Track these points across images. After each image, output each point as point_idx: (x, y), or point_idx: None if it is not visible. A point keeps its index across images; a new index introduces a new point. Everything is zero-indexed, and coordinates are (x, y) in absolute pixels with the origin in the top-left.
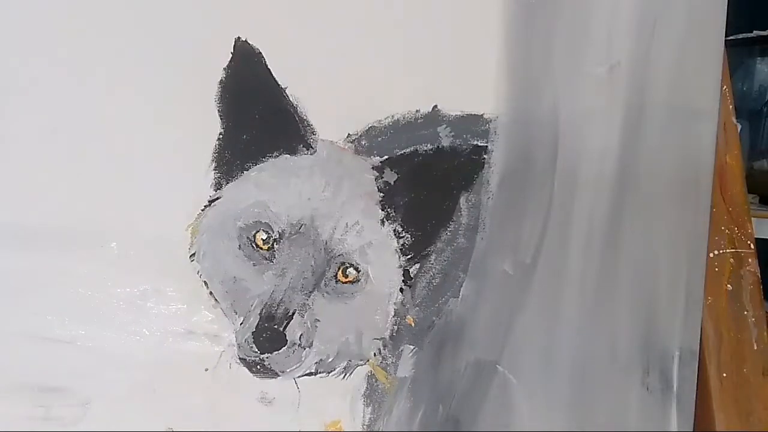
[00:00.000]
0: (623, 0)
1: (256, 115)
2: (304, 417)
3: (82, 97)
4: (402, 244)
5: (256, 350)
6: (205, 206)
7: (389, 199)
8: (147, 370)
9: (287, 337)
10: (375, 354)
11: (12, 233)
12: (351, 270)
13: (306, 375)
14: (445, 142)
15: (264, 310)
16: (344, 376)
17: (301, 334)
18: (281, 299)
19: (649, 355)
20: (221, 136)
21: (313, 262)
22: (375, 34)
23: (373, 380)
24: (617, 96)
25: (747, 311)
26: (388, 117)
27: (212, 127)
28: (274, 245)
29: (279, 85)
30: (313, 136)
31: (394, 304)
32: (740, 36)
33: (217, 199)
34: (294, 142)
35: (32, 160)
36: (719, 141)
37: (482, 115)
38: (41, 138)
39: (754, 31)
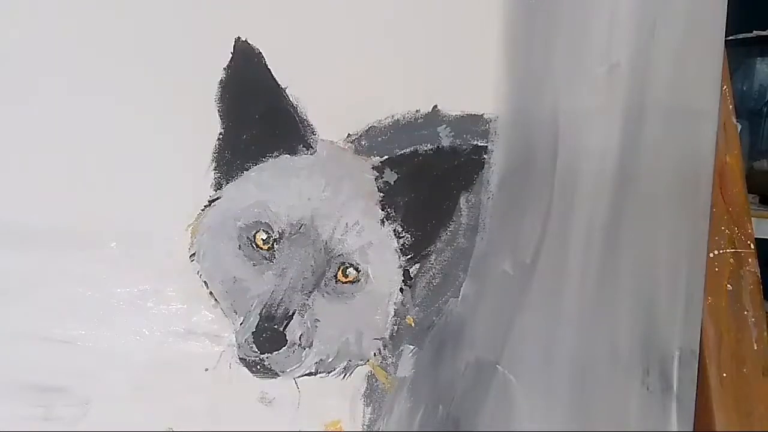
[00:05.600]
0: (623, 0)
1: (256, 115)
2: (304, 417)
3: (82, 97)
4: (402, 244)
5: (256, 350)
6: (205, 206)
7: (389, 199)
8: (147, 370)
9: (287, 337)
10: (375, 354)
11: (12, 233)
12: (351, 270)
13: (306, 375)
14: (445, 142)
15: (264, 310)
16: (344, 376)
17: (301, 334)
18: (281, 299)
19: (649, 355)
20: (221, 136)
21: (313, 262)
22: (375, 34)
23: (373, 380)
24: (617, 96)
25: (747, 311)
26: (388, 117)
27: (212, 127)
28: (274, 245)
29: (279, 85)
30: (313, 136)
31: (394, 304)
32: (740, 36)
33: (217, 199)
34: (294, 142)
35: (32, 160)
36: (719, 141)
37: (482, 115)
38: (41, 138)
39: (754, 31)
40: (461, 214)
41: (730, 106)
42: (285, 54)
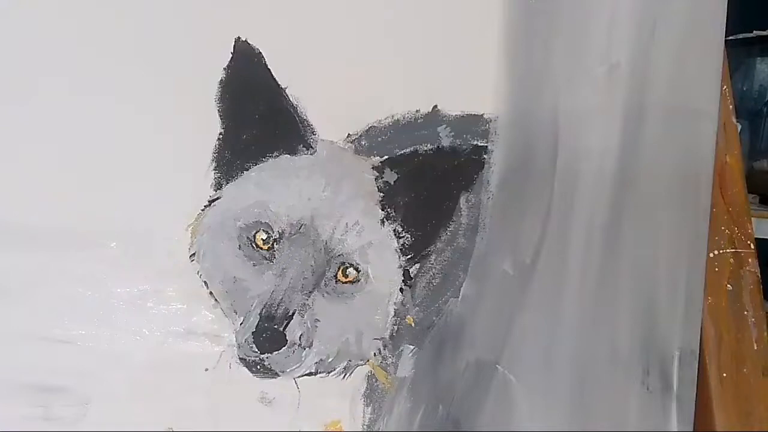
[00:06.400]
0: (623, 0)
1: (256, 115)
2: (304, 417)
3: (82, 97)
4: (402, 244)
5: (256, 350)
6: (205, 206)
7: (389, 199)
8: (147, 370)
9: (287, 337)
10: (375, 354)
11: (12, 233)
12: (351, 270)
13: (306, 375)
14: (445, 142)
15: (264, 310)
16: (344, 376)
17: (301, 334)
18: (281, 299)
19: (649, 355)
20: (221, 136)
21: (313, 262)
22: (375, 34)
23: (373, 380)
24: (617, 96)
25: (747, 311)
26: (388, 117)
27: (212, 127)
28: (274, 245)
29: (279, 85)
30: (313, 136)
31: (394, 304)
32: (740, 36)
33: (217, 199)
34: (294, 142)
35: (32, 160)
36: (719, 141)
37: (482, 115)
38: (41, 138)
39: (754, 31)
40: (461, 214)
41: (730, 106)
42: (285, 54)
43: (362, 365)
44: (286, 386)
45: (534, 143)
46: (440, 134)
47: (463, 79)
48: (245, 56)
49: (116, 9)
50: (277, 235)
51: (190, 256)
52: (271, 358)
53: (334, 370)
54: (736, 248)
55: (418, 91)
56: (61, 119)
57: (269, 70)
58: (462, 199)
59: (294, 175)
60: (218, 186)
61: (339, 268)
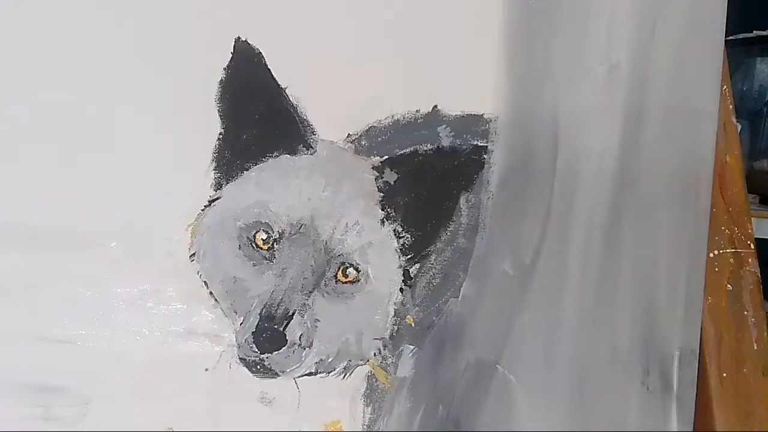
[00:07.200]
0: (623, 0)
1: (256, 115)
2: (304, 417)
3: (82, 97)
4: (402, 244)
5: (256, 350)
6: (205, 206)
7: (389, 199)
8: (147, 370)
9: (287, 337)
10: (375, 354)
11: (12, 233)
12: (351, 270)
13: (306, 375)
14: (445, 142)
15: (264, 310)
16: (344, 376)
17: (301, 334)
18: (281, 299)
19: (649, 355)
20: (221, 136)
21: (313, 262)
22: (375, 34)
23: (373, 380)
24: (617, 96)
25: (747, 311)
26: (388, 117)
27: (212, 127)
28: (274, 245)
29: (279, 85)
30: (313, 136)
31: (394, 304)
32: (740, 36)
33: (217, 199)
34: (294, 142)
35: (32, 160)
36: (719, 141)
37: (482, 115)
38: (41, 138)
39: (754, 31)
40: (461, 214)
41: (730, 106)
42: (285, 54)
43: (362, 365)
44: (286, 386)
45: (534, 143)
46: (440, 134)
47: (463, 79)
48: (245, 56)
49: (116, 9)
50: (277, 235)
51: (190, 256)
52: (271, 358)
53: (334, 370)
54: (736, 248)
55: (418, 91)
56: (61, 119)
57: (269, 70)
58: (462, 199)
59: (294, 175)
60: (218, 186)
61: (339, 268)
